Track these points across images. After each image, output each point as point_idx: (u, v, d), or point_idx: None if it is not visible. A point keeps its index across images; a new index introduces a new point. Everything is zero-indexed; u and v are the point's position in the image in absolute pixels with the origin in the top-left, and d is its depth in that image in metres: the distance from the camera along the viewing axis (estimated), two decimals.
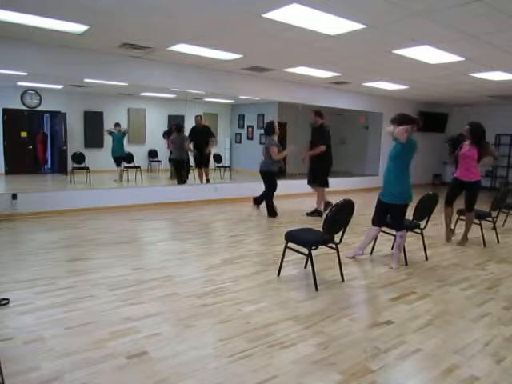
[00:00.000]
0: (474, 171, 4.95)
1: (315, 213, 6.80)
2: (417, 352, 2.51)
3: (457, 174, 5.12)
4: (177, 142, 8.40)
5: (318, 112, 6.68)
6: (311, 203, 7.79)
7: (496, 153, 5.12)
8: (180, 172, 8.36)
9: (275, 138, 6.67)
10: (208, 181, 8.67)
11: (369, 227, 4.48)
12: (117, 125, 9.19)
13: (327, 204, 6.87)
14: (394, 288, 3.62)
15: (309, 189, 7.32)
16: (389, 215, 4.20)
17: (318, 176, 6.80)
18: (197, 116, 8.47)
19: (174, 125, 8.63)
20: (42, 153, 10.02)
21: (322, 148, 6.51)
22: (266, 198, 6.71)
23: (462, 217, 5.28)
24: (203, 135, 8.40)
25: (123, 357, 2.34)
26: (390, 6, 3.71)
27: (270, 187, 6.64)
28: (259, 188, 6.86)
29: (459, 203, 5.26)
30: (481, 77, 7.02)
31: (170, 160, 9.20)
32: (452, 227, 5.40)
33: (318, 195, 6.92)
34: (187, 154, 8.41)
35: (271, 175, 6.58)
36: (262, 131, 8.37)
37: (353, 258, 4.44)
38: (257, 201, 6.89)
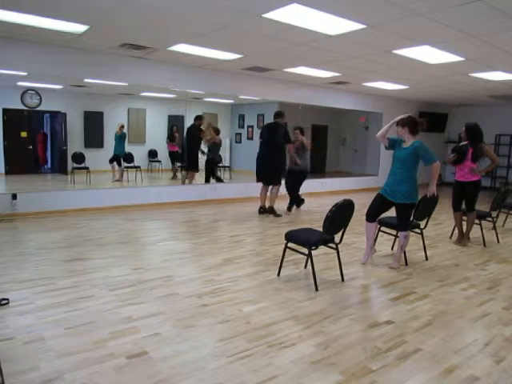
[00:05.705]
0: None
1: (274, 212, 6.74)
2: (417, 352, 2.51)
3: (457, 177, 5.13)
4: None
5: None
6: (312, 202, 7.79)
7: (494, 155, 5.08)
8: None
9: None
10: None
11: None
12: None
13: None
14: (393, 288, 3.62)
15: (307, 189, 7.30)
16: (396, 216, 4.17)
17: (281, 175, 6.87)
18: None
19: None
20: (42, 153, 10.02)
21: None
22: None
23: (463, 217, 5.27)
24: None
25: (123, 357, 2.34)
26: (390, 6, 3.71)
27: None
28: (258, 188, 6.84)
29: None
30: (481, 77, 7.02)
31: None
32: (464, 231, 5.34)
33: (275, 194, 6.80)
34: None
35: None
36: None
37: (364, 263, 4.31)
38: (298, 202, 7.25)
